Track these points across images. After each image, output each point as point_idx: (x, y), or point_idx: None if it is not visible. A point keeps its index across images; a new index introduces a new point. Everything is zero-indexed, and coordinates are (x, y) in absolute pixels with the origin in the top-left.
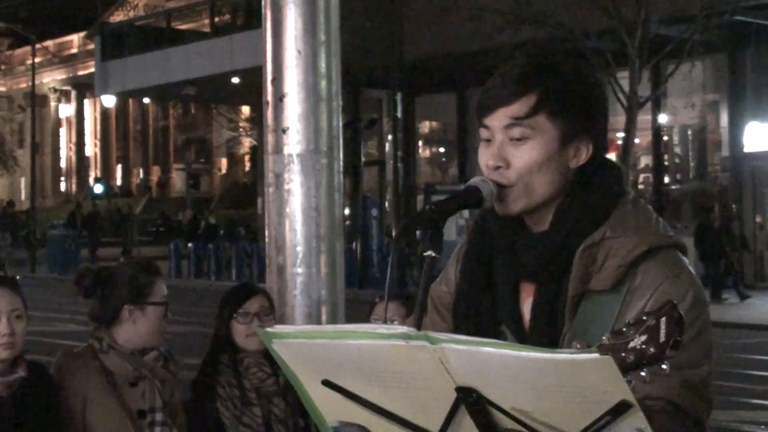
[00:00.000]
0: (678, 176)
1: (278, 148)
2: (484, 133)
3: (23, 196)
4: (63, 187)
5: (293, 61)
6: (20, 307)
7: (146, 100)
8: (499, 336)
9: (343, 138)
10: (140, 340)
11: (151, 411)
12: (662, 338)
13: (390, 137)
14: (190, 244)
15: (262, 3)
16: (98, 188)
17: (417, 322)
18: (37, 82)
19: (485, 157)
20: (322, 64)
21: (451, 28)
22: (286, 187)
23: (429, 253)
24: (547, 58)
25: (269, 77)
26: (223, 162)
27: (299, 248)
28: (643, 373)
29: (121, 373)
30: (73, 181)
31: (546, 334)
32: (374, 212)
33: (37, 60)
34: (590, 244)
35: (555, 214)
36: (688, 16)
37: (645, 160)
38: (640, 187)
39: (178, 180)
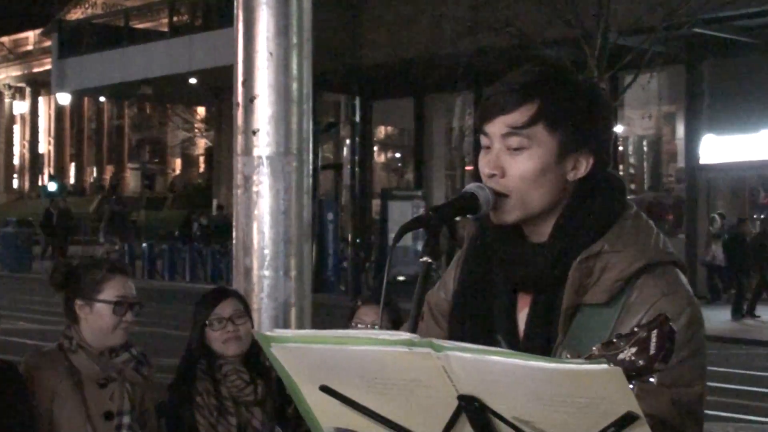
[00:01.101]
0: (633, 186)
1: (248, 150)
2: (483, 140)
3: None
4: (15, 184)
5: (264, 62)
6: None
7: (102, 99)
8: (494, 346)
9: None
10: (96, 338)
11: (119, 414)
12: (652, 351)
13: (347, 141)
14: (144, 245)
15: (234, 3)
16: (52, 186)
17: (411, 328)
18: None
19: (482, 164)
20: (294, 67)
21: (410, 34)
22: (254, 189)
23: (425, 259)
24: (551, 67)
25: (240, 78)
26: (178, 162)
27: (267, 251)
28: (631, 386)
29: (89, 374)
30: (26, 178)
31: (539, 345)
32: (330, 216)
33: None
34: (587, 257)
35: (554, 226)
36: (648, 27)
37: None
38: None
39: (132, 180)
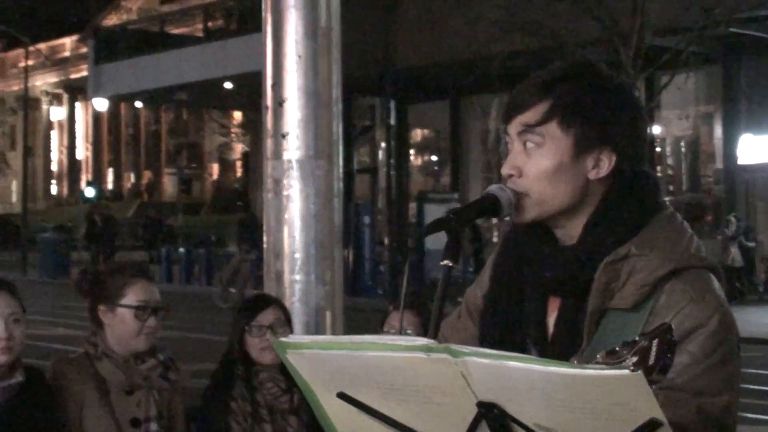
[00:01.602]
0: (671, 188)
1: (277, 154)
2: (507, 140)
3: (14, 199)
4: (54, 190)
5: (293, 65)
6: (18, 311)
7: (138, 104)
8: (523, 349)
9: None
10: (120, 344)
11: (146, 420)
12: (651, 361)
13: (383, 144)
14: (181, 249)
15: (263, 6)
16: (90, 192)
17: (433, 332)
18: (29, 84)
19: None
20: (323, 69)
21: (444, 36)
22: (285, 193)
23: (446, 262)
24: (576, 65)
25: (269, 82)
26: (215, 167)
27: (298, 255)
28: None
29: (114, 381)
30: (65, 184)
31: (565, 351)
32: (366, 220)
33: (29, 63)
34: (613, 260)
35: (584, 228)
36: (683, 27)
37: None
38: None
39: (169, 185)
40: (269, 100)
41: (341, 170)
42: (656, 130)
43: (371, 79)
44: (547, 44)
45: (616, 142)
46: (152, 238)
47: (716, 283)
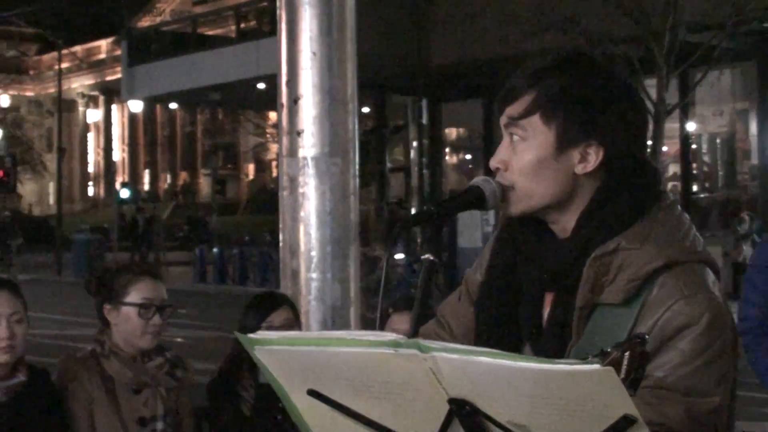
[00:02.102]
0: (706, 185)
1: (293, 151)
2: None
3: (51, 201)
4: (91, 191)
5: (308, 62)
6: (21, 310)
7: (173, 106)
8: (518, 344)
9: (369, 144)
10: (126, 342)
11: (153, 419)
12: (622, 374)
13: (415, 144)
14: (215, 249)
15: (277, 4)
16: (124, 193)
17: (414, 328)
18: (65, 87)
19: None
20: (338, 66)
21: (477, 35)
22: (300, 190)
23: (427, 256)
24: (561, 57)
25: (284, 79)
26: (251, 168)
27: (314, 253)
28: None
29: (122, 379)
30: (101, 185)
31: (558, 346)
32: None
33: (65, 65)
34: (601, 254)
35: (577, 221)
36: (717, 23)
37: (673, 169)
38: None
39: (205, 185)
40: (284, 97)
41: (357, 167)
42: (691, 127)
43: (404, 78)
44: (580, 42)
45: (603, 136)
46: (195, 238)
47: (711, 278)
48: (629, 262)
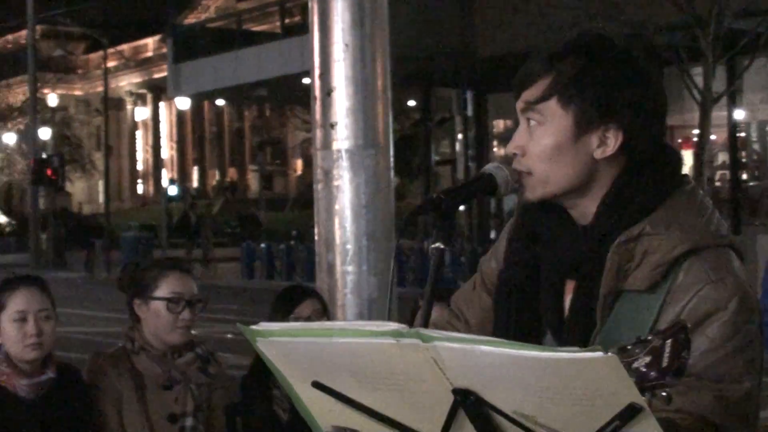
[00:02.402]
0: (756, 173)
1: (327, 144)
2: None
3: (101, 199)
4: (140, 189)
5: (341, 54)
6: (49, 307)
7: (221, 102)
8: (538, 333)
9: (415, 137)
10: (155, 338)
11: (183, 415)
12: (664, 363)
13: (460, 136)
14: (262, 245)
15: None
16: (172, 190)
17: (424, 318)
18: (113, 85)
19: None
20: (371, 58)
21: (522, 25)
22: (335, 183)
23: (437, 245)
24: (577, 40)
25: (317, 72)
26: (298, 163)
27: (349, 246)
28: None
29: (151, 376)
30: (150, 183)
31: (581, 334)
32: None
33: (113, 64)
34: (626, 239)
35: (599, 207)
36: (763, 10)
37: (722, 157)
38: (717, 184)
39: (253, 181)
40: (317, 90)
41: (392, 160)
42: (739, 114)
43: (449, 70)
44: (625, 30)
45: (622, 119)
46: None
47: (737, 263)
48: (654, 247)
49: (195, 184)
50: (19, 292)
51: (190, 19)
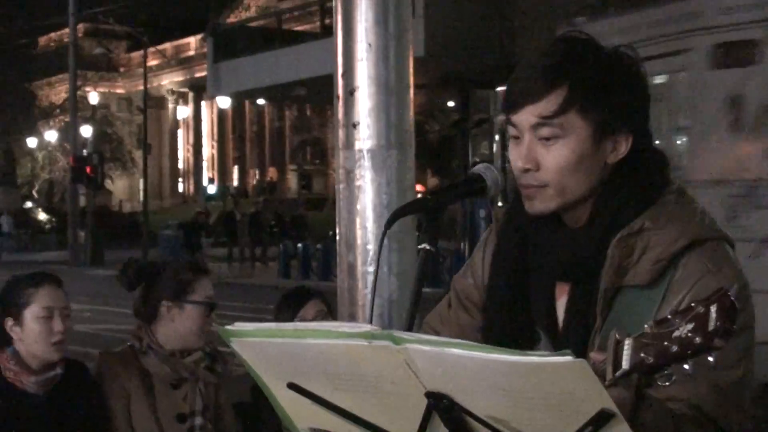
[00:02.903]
0: None
1: (349, 144)
2: (512, 130)
3: (141, 197)
4: (180, 188)
5: (364, 53)
6: (68, 305)
7: (261, 102)
8: (533, 337)
9: (454, 139)
10: (179, 340)
11: (192, 414)
12: (711, 326)
13: (497, 137)
14: (299, 245)
15: None
16: (211, 189)
17: (408, 320)
18: (155, 84)
19: (515, 157)
20: (394, 57)
21: (560, 27)
22: (356, 183)
23: (424, 246)
24: (577, 43)
25: (340, 71)
26: None
27: (370, 246)
28: (686, 366)
29: (160, 375)
30: (191, 182)
31: (579, 336)
32: (482, 213)
33: (155, 62)
34: (627, 234)
35: (593, 208)
36: None
37: None
38: None
39: (293, 181)
40: (340, 89)
41: (414, 160)
42: None
43: (488, 72)
44: None
45: (633, 123)
46: (284, 234)
47: (733, 254)
48: (654, 242)
49: (235, 183)
50: (43, 288)
51: (232, 19)
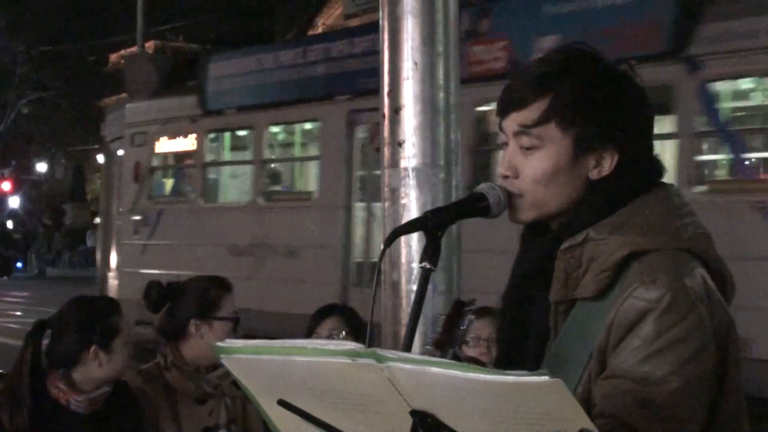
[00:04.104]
0: None
1: (394, 162)
2: (501, 136)
3: None
4: None
5: (410, 72)
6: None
7: None
8: (525, 351)
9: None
10: (207, 356)
11: (216, 428)
12: None
13: None
14: None
15: (380, 14)
16: None
17: (407, 338)
18: None
19: (500, 164)
20: (440, 76)
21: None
22: (401, 201)
23: (424, 264)
24: (574, 55)
25: (386, 89)
26: None
27: (414, 265)
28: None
29: (184, 390)
30: None
31: (537, 347)
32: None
33: None
34: (569, 246)
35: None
36: None
37: None
38: None
39: None
40: (386, 107)
41: (459, 179)
42: None
43: None
44: None
45: (619, 140)
46: None
47: (681, 263)
48: (598, 253)
49: None
50: (123, 315)
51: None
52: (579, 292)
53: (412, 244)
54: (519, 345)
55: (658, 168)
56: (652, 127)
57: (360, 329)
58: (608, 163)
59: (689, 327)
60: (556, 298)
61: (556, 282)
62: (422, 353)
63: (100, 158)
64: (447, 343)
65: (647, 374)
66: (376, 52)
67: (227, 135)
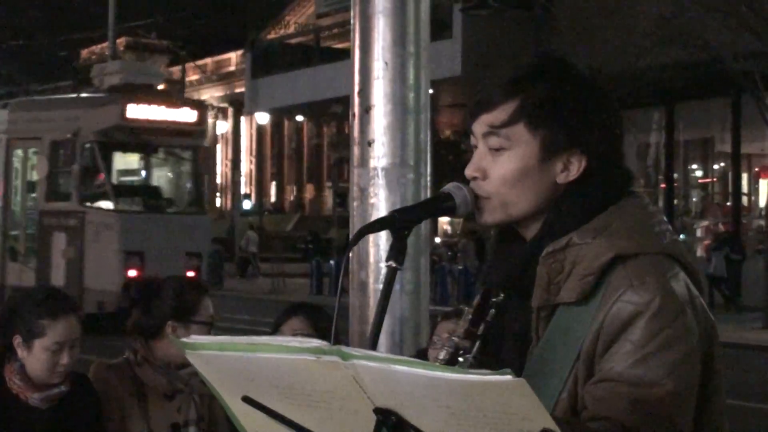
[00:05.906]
0: None
1: (364, 161)
2: (472, 139)
3: None
4: (218, 202)
5: (380, 72)
6: (80, 335)
7: (300, 118)
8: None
9: None
10: (180, 357)
11: (185, 425)
12: None
13: None
14: (332, 261)
15: (351, 13)
16: (246, 204)
17: (372, 337)
18: (195, 98)
19: (467, 166)
20: (411, 76)
21: (595, 49)
22: (370, 201)
23: (390, 263)
24: (546, 60)
25: (356, 89)
26: None
27: (382, 264)
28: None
29: (155, 386)
30: (228, 197)
31: (516, 352)
32: None
33: (196, 77)
34: (553, 251)
35: (541, 227)
36: None
37: None
38: None
39: (329, 198)
40: (356, 107)
41: (429, 179)
42: None
43: None
44: (702, 57)
45: (588, 145)
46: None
47: (665, 268)
48: (581, 257)
49: (273, 199)
50: (59, 322)
51: (271, 35)
52: (561, 297)
53: (380, 244)
54: (496, 348)
55: (628, 176)
56: (621, 136)
57: (327, 330)
58: (576, 168)
59: (679, 330)
60: (537, 304)
61: (537, 287)
62: (451, 345)
63: None
64: (476, 335)
65: (641, 377)
66: None
67: None
